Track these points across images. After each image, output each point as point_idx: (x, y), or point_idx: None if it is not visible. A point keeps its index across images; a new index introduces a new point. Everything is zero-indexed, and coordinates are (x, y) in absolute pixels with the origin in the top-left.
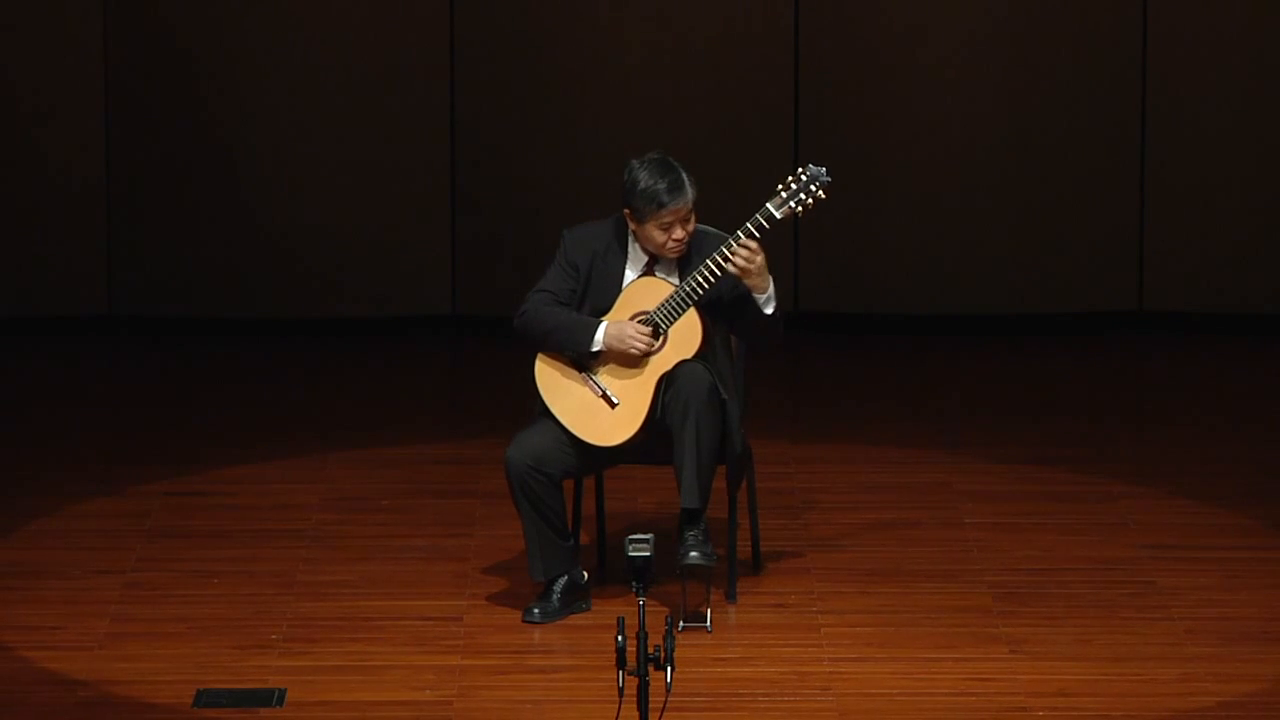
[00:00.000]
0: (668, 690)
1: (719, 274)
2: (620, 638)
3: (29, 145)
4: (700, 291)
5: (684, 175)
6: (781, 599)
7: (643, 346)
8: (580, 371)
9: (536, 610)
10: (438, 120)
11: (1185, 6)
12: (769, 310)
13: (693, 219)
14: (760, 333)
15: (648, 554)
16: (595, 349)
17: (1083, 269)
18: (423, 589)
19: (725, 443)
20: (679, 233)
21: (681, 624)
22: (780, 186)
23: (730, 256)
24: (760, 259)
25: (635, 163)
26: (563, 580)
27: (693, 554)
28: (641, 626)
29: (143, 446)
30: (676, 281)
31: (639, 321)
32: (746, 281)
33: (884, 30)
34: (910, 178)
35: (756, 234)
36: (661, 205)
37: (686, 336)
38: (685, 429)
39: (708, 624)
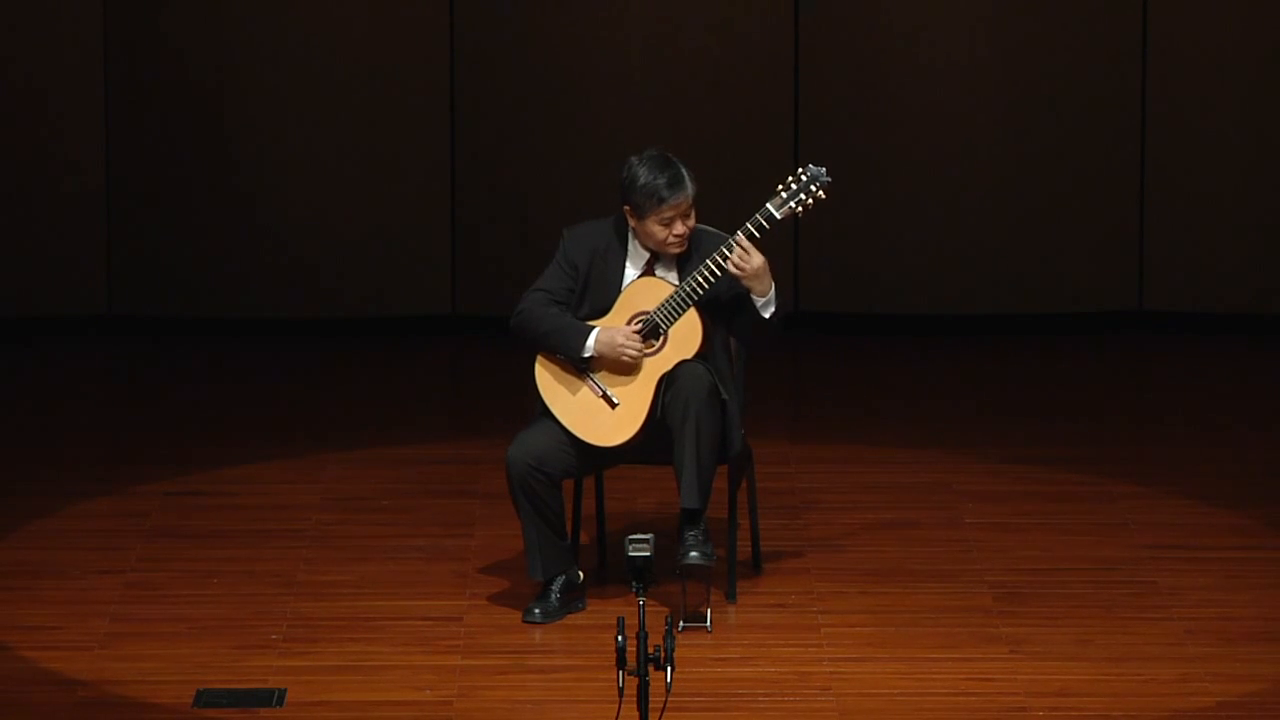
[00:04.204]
0: (668, 690)
1: (719, 274)
2: (620, 638)
3: (29, 145)
4: (700, 291)
5: (683, 170)
6: (781, 599)
7: (634, 354)
8: (580, 372)
9: (537, 610)
10: (438, 120)
11: (1185, 7)
12: (767, 314)
13: (693, 214)
14: (757, 334)
15: (648, 554)
16: (586, 354)
17: (1083, 269)
18: (423, 589)
19: (725, 442)
20: (679, 228)
21: (681, 624)
22: (780, 186)
23: (728, 257)
24: (757, 261)
25: (634, 159)
26: (561, 579)
27: (693, 554)
28: (641, 626)
29: (143, 446)
30: (676, 281)
31: (638, 322)
32: (746, 284)
33: (884, 30)
34: (910, 178)
35: (757, 234)
36: (662, 200)
37: (687, 336)
38: (685, 429)
39: (708, 624)
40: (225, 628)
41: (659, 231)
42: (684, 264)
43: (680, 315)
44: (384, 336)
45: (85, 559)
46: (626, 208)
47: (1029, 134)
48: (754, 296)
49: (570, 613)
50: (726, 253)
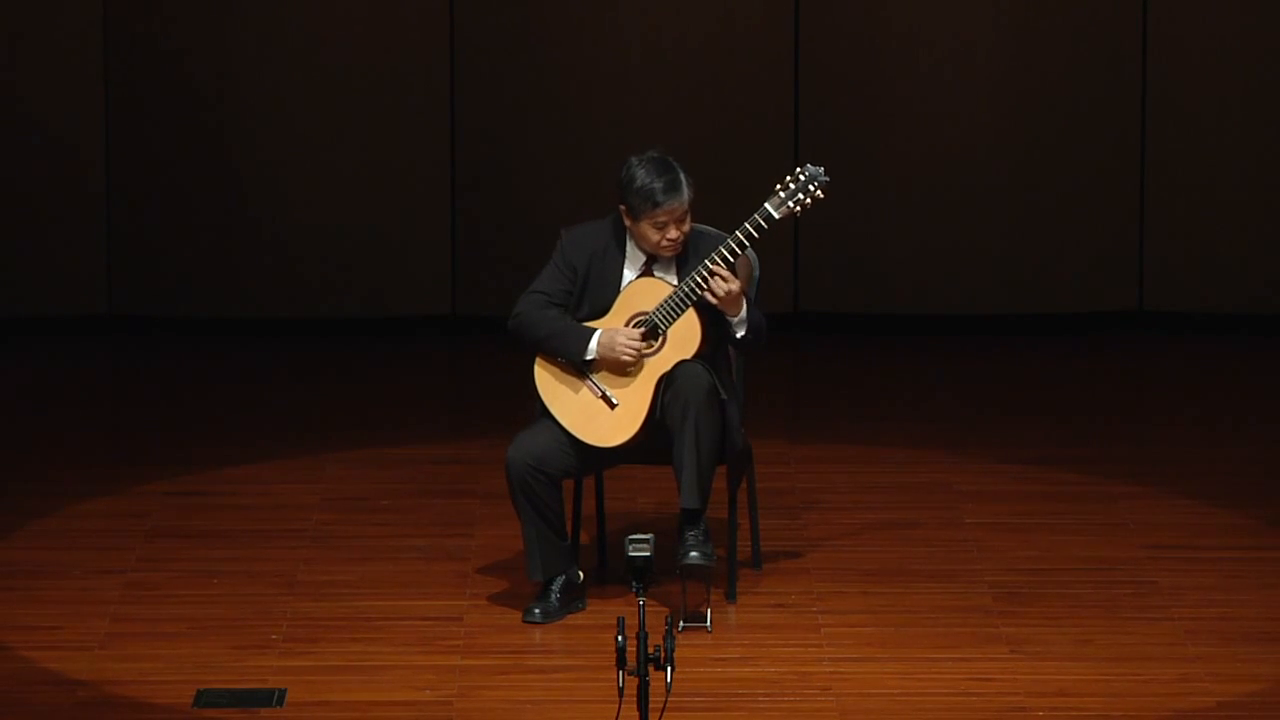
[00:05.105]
0: (668, 690)
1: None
2: (620, 638)
3: (29, 146)
4: (699, 291)
5: (681, 175)
6: (781, 599)
7: (632, 355)
8: (579, 373)
9: (537, 610)
10: (438, 120)
11: (1185, 6)
12: (739, 334)
13: (688, 219)
14: (735, 348)
15: (648, 554)
16: (589, 358)
17: (1083, 269)
18: (423, 589)
19: (725, 442)
20: (673, 233)
21: (681, 624)
22: (779, 186)
23: (707, 281)
24: (735, 287)
25: (634, 159)
26: (560, 579)
27: (693, 554)
28: (641, 626)
29: (143, 446)
30: (675, 281)
31: (637, 323)
32: (719, 306)
33: (884, 30)
34: (910, 178)
35: (755, 234)
36: (656, 205)
37: (686, 336)
38: (685, 429)
39: (708, 624)
40: (225, 628)
41: (652, 234)
42: (683, 264)
43: (679, 315)
44: (384, 336)
45: (85, 559)
46: (622, 207)
47: (1029, 134)
48: (728, 318)
49: (570, 613)
50: (723, 254)
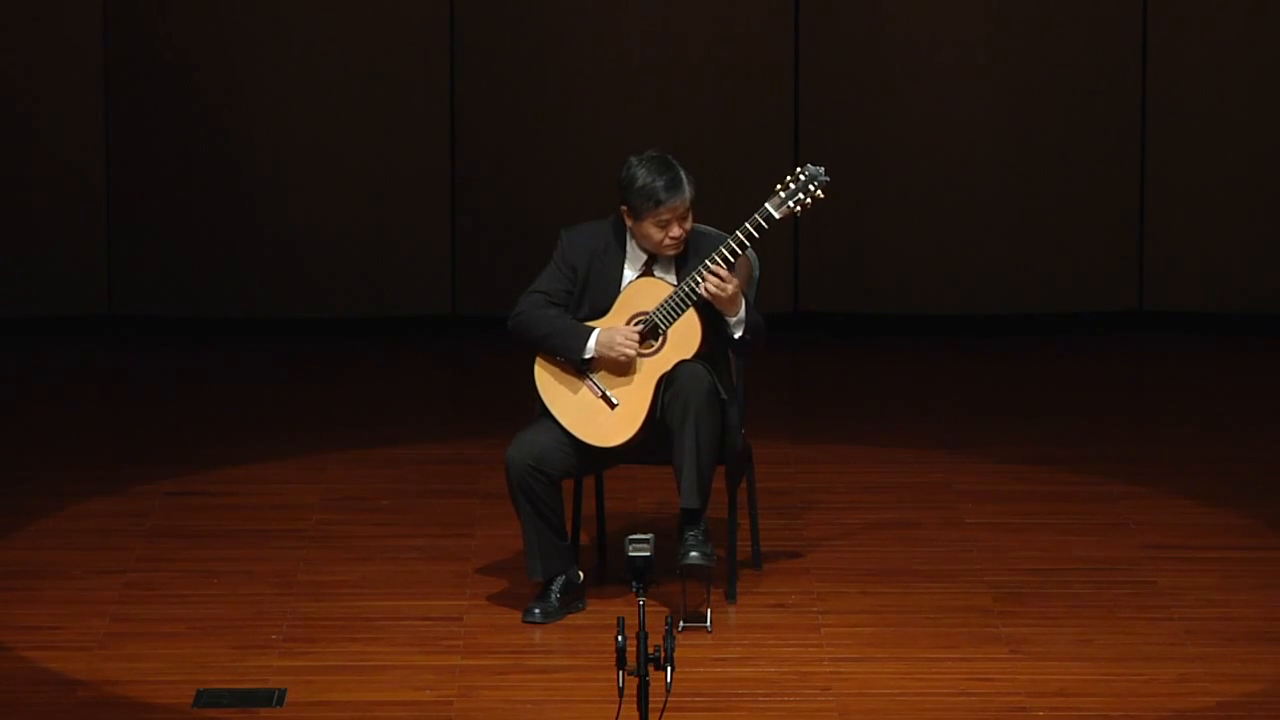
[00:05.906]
0: (668, 690)
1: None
2: (620, 638)
3: (29, 145)
4: (699, 291)
5: (682, 173)
6: (781, 599)
7: (631, 352)
8: (579, 372)
9: (537, 610)
10: (438, 120)
11: (1185, 6)
12: (737, 334)
13: (690, 217)
14: (732, 349)
15: (648, 554)
16: (587, 356)
17: (1083, 269)
18: (423, 589)
19: (725, 442)
20: (676, 231)
21: (681, 624)
22: (779, 186)
23: (703, 280)
24: (732, 287)
25: (634, 159)
26: (560, 579)
27: (693, 554)
28: (641, 626)
29: (143, 446)
30: (675, 281)
31: (637, 323)
32: (717, 305)
33: (884, 30)
34: (910, 178)
35: (755, 234)
36: (659, 203)
37: (686, 336)
38: (685, 429)
39: (708, 624)
40: (225, 628)
41: (655, 234)
42: (682, 264)
43: (679, 315)
44: (384, 336)
45: (85, 559)
46: (624, 208)
47: (1029, 134)
48: (726, 318)
49: (570, 613)
50: (724, 254)
